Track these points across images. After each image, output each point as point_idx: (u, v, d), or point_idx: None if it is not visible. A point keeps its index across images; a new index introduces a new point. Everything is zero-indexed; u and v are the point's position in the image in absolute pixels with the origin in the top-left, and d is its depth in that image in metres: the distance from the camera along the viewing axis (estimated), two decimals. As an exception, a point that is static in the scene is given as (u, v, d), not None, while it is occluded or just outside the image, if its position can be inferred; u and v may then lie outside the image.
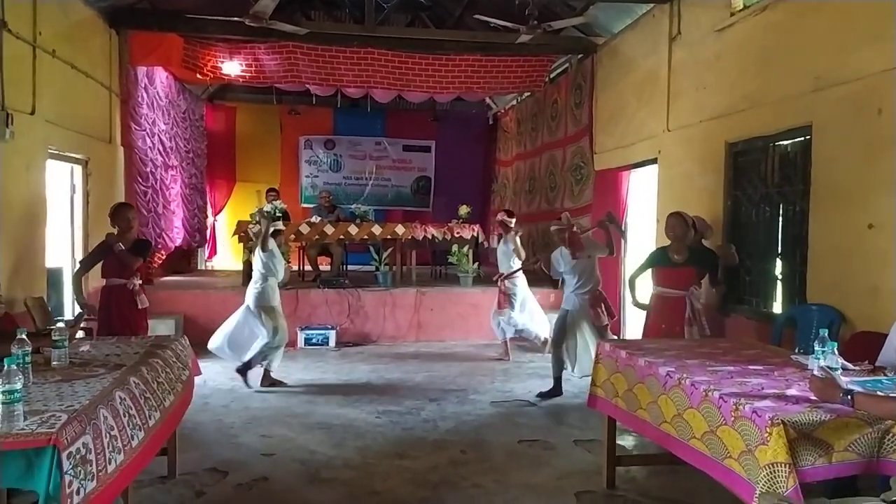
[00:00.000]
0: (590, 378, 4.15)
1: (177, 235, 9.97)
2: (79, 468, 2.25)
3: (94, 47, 7.53)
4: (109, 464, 2.49)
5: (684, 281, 5.14)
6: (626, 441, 4.64)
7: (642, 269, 5.44)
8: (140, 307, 5.32)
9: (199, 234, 11.39)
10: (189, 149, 10.97)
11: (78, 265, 5.86)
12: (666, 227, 5.38)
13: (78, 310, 5.59)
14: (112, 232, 5.38)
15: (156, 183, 9.08)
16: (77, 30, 7.03)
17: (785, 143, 5.44)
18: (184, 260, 11.35)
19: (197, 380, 4.28)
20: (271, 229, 6.26)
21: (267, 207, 10.34)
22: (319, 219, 9.70)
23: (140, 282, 5.33)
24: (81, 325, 5.53)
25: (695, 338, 4.99)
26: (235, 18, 7.16)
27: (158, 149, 9.20)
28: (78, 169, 7.17)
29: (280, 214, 10.21)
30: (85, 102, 7.24)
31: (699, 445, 2.92)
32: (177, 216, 10.01)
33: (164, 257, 9.71)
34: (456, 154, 13.87)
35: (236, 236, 9.13)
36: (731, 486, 2.69)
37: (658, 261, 5.32)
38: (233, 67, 9.00)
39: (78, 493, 2.23)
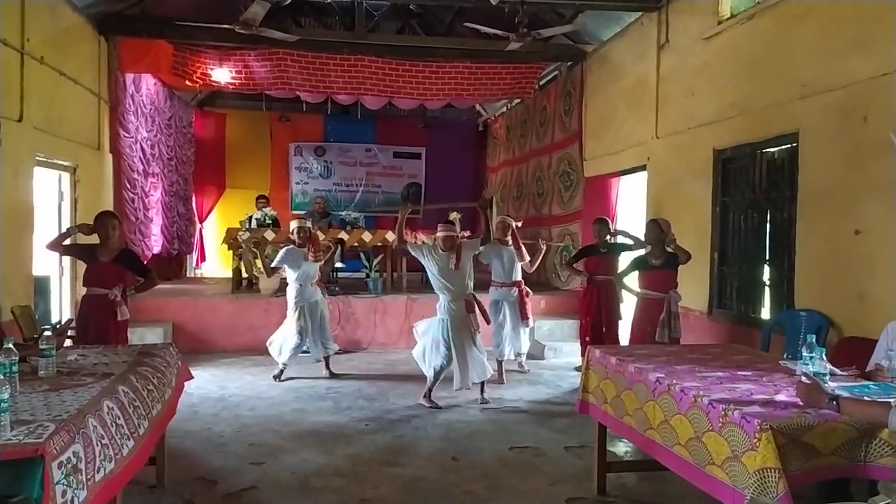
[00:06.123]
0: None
1: (154, 243, 9.89)
2: (71, 477, 2.23)
3: (83, 54, 7.50)
4: (98, 472, 2.47)
5: (663, 283, 5.49)
6: (618, 447, 4.65)
7: (625, 272, 5.87)
8: (120, 319, 5.06)
9: (178, 242, 11.23)
10: (172, 156, 10.84)
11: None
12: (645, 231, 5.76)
13: (66, 317, 5.46)
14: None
15: (140, 190, 9.03)
16: (65, 37, 7.00)
17: (772, 149, 5.49)
18: (172, 267, 11.27)
19: (186, 388, 4.25)
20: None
21: (257, 214, 10.36)
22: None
23: (120, 293, 5.05)
24: (69, 333, 5.46)
25: (664, 340, 5.30)
26: (225, 25, 7.18)
27: (139, 156, 9.14)
28: (66, 176, 7.13)
29: (270, 221, 10.25)
30: (73, 109, 7.20)
31: (682, 452, 2.94)
32: (155, 223, 9.89)
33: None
34: (446, 161, 13.91)
35: (226, 244, 9.09)
36: (714, 493, 2.70)
37: (640, 265, 5.70)
38: (222, 74, 8.98)
39: (72, 502, 2.22)
